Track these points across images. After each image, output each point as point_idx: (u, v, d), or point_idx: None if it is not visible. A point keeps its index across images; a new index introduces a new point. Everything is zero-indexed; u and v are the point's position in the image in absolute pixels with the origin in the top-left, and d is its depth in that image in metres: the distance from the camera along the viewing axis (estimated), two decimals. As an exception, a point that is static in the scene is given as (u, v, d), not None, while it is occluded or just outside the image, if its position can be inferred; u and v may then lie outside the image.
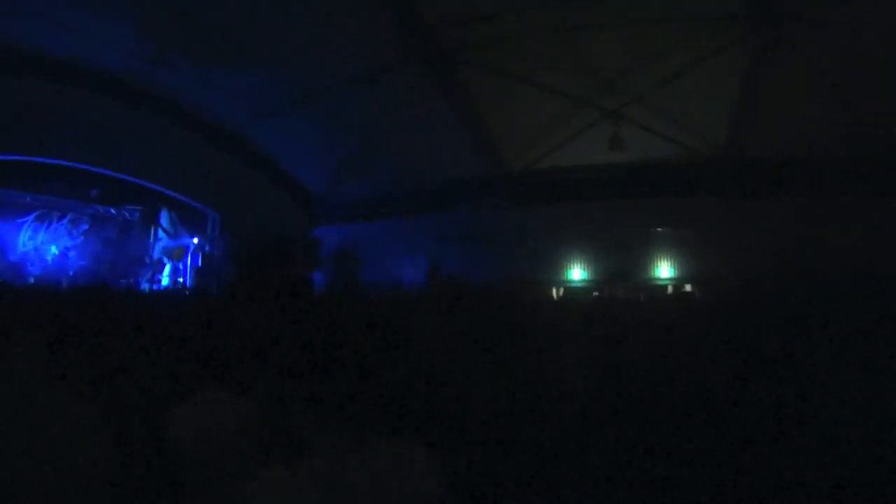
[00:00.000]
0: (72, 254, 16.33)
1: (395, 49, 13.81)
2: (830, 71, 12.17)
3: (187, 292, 15.50)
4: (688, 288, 15.68)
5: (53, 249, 16.16)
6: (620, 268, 16.01)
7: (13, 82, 13.81)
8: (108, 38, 13.64)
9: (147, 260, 17.78)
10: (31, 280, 14.78)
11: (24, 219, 15.84)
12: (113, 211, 17.36)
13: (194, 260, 18.03)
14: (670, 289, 15.91)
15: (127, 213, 17.64)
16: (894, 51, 11.34)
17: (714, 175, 15.39)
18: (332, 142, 17.07)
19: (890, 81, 12.05)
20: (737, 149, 14.99)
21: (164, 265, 17.97)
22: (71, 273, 15.79)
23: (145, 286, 16.54)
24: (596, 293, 15.84)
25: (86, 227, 16.76)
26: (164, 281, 17.68)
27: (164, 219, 18.39)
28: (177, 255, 18.26)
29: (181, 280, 17.84)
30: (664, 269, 16.15)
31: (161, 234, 18.34)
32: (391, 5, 12.76)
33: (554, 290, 16.66)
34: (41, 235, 16.05)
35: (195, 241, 18.19)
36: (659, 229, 15.99)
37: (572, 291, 16.50)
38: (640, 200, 15.86)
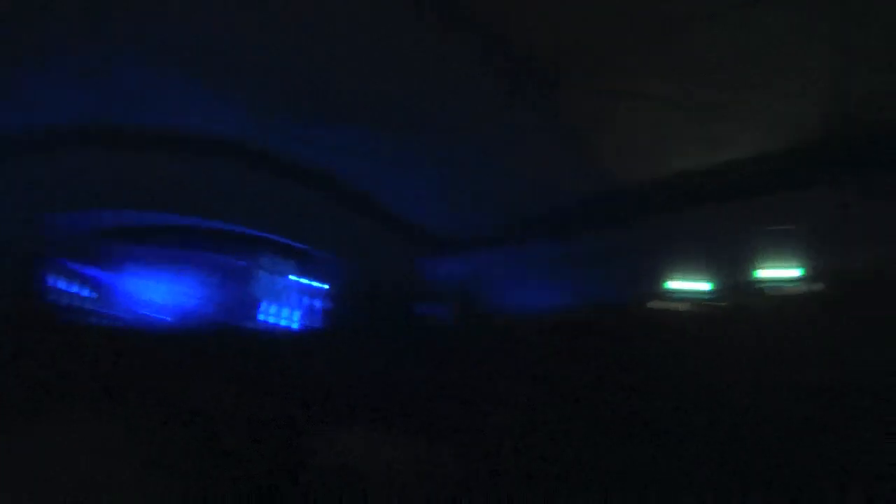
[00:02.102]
0: (193, 301, 18.39)
1: (494, 81, 13.86)
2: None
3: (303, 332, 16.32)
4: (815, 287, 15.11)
5: (176, 297, 18.36)
6: (741, 274, 15.60)
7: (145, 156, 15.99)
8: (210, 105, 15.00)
9: (265, 303, 19.35)
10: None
11: (150, 271, 18.43)
12: (226, 258, 19.10)
13: (311, 301, 18.58)
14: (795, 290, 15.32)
15: (239, 261, 19.27)
16: None
17: (828, 168, 14.66)
18: (440, 176, 17.22)
19: None
20: (849, 138, 14.28)
21: (280, 307, 19.34)
22: (194, 318, 17.95)
23: (260, 328, 17.75)
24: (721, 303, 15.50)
25: (207, 276, 18.71)
26: (282, 322, 19.12)
27: (281, 264, 19.69)
28: (293, 298, 19.43)
29: (299, 321, 18.51)
30: (785, 272, 15.51)
31: (278, 278, 19.64)
32: (480, 41, 12.82)
33: (675, 304, 16.29)
34: (165, 285, 18.37)
35: (312, 283, 18.99)
36: (776, 228, 15.38)
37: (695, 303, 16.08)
38: (751, 201, 15.26)
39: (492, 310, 16.74)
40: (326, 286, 19.06)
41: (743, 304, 14.59)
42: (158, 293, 18.44)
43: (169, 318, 18.11)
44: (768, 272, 15.37)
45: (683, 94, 14.10)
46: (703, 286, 15.92)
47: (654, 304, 15.34)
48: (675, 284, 16.13)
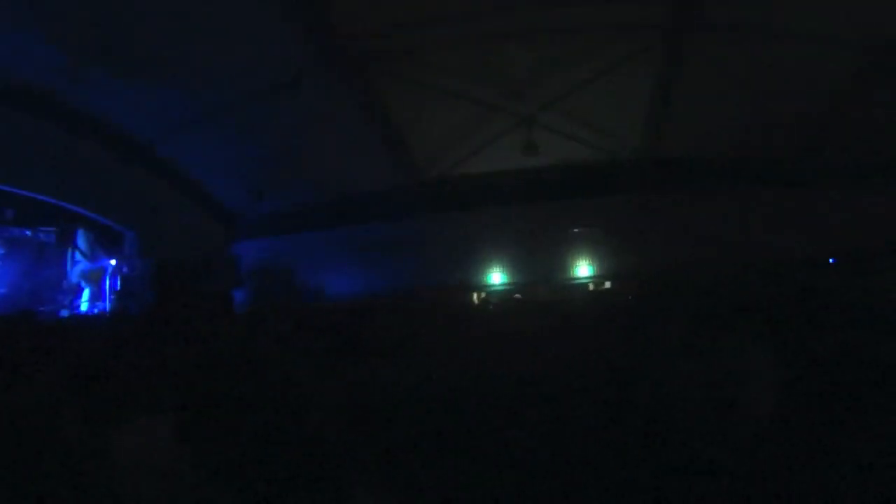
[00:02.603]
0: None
1: (305, 59, 13.83)
2: (740, 74, 12.89)
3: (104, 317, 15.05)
4: (606, 285, 16.39)
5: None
6: (540, 270, 16.64)
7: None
8: (17, 50, 12.95)
9: (65, 284, 17.02)
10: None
11: None
12: (28, 233, 16.45)
13: (112, 282, 17.38)
14: (589, 287, 16.57)
15: (42, 235, 16.74)
16: (799, 54, 12.12)
17: (627, 176, 16.01)
18: (247, 155, 16.88)
19: (794, 84, 12.85)
20: (649, 150, 15.66)
21: (82, 289, 17.27)
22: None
23: (64, 312, 15.98)
24: (517, 295, 16.43)
25: (2, 251, 15.82)
26: (84, 306, 17.01)
27: (81, 239, 17.61)
28: (94, 278, 17.49)
29: (100, 304, 17.15)
30: (583, 269, 16.71)
31: (78, 256, 17.54)
32: (299, 16, 12.72)
33: (474, 295, 17.03)
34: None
35: (113, 262, 17.56)
36: (576, 230, 16.56)
37: (493, 295, 16.92)
38: (556, 203, 16.43)
39: (291, 293, 16.75)
40: (118, 263, 17.20)
41: (537, 297, 15.59)
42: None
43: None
44: (565, 269, 16.52)
45: (501, 102, 15.18)
46: (501, 278, 16.92)
47: (448, 293, 16.09)
48: (474, 276, 17.00)
